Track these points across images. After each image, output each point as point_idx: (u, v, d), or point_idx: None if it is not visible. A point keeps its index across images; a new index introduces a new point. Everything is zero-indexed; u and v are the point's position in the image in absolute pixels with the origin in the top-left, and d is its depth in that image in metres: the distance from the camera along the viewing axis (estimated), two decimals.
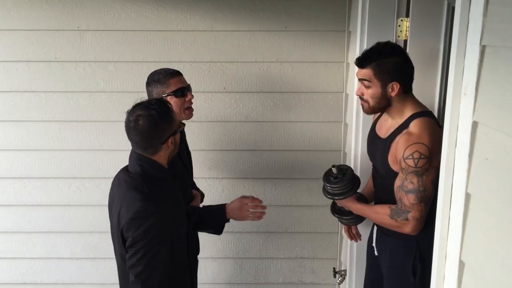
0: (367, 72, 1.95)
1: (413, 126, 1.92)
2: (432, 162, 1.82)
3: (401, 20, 2.34)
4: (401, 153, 1.88)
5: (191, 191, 2.39)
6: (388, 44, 2.01)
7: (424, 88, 2.29)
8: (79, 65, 2.76)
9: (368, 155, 2.29)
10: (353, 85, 2.61)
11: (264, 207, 2.21)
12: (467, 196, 1.25)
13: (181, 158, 2.25)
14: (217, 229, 2.22)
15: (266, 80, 2.78)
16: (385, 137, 2.05)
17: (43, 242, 2.99)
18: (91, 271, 3.03)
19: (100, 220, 2.93)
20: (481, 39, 1.15)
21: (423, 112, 1.97)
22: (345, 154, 2.84)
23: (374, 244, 2.30)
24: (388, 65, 1.92)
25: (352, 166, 2.67)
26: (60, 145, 2.85)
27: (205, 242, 2.64)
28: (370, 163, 2.31)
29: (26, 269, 3.03)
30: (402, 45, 2.31)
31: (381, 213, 2.02)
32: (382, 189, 2.18)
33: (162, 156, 1.84)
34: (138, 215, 1.73)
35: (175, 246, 1.86)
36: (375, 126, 2.22)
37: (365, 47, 2.40)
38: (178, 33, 2.72)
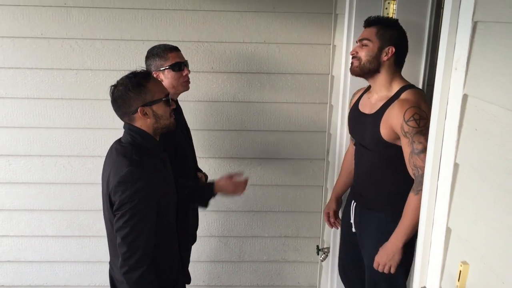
0: (369, 30, 2.10)
1: (406, 95, 2.03)
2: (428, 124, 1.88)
3: (388, 3, 2.40)
4: (400, 118, 1.96)
5: (195, 169, 2.50)
6: (395, 20, 2.18)
7: (409, 67, 2.36)
8: (65, 42, 2.73)
9: (352, 134, 2.34)
10: (340, 67, 2.67)
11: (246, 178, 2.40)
12: (456, 166, 1.31)
13: (183, 134, 2.37)
14: (204, 205, 2.35)
15: (253, 60, 2.81)
16: (372, 112, 2.12)
17: (27, 220, 2.97)
18: (76, 249, 3.03)
19: (86, 198, 2.94)
20: (473, 15, 1.21)
21: (412, 85, 2.09)
22: (329, 135, 2.90)
23: (352, 221, 2.33)
24: (391, 31, 2.08)
25: (337, 147, 2.74)
26: (46, 123, 2.83)
27: None
28: None
29: (10, 246, 3.01)
30: None
31: (411, 205, 1.95)
32: (368, 167, 2.23)
33: (143, 126, 1.86)
34: (124, 179, 1.76)
35: (163, 215, 1.90)
36: (357, 105, 2.28)
37: (353, 29, 2.46)
38: (166, 12, 2.72)
